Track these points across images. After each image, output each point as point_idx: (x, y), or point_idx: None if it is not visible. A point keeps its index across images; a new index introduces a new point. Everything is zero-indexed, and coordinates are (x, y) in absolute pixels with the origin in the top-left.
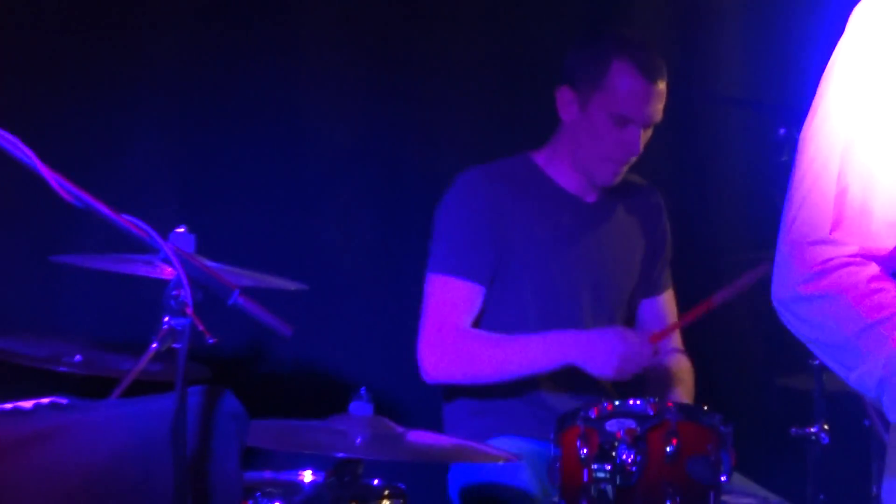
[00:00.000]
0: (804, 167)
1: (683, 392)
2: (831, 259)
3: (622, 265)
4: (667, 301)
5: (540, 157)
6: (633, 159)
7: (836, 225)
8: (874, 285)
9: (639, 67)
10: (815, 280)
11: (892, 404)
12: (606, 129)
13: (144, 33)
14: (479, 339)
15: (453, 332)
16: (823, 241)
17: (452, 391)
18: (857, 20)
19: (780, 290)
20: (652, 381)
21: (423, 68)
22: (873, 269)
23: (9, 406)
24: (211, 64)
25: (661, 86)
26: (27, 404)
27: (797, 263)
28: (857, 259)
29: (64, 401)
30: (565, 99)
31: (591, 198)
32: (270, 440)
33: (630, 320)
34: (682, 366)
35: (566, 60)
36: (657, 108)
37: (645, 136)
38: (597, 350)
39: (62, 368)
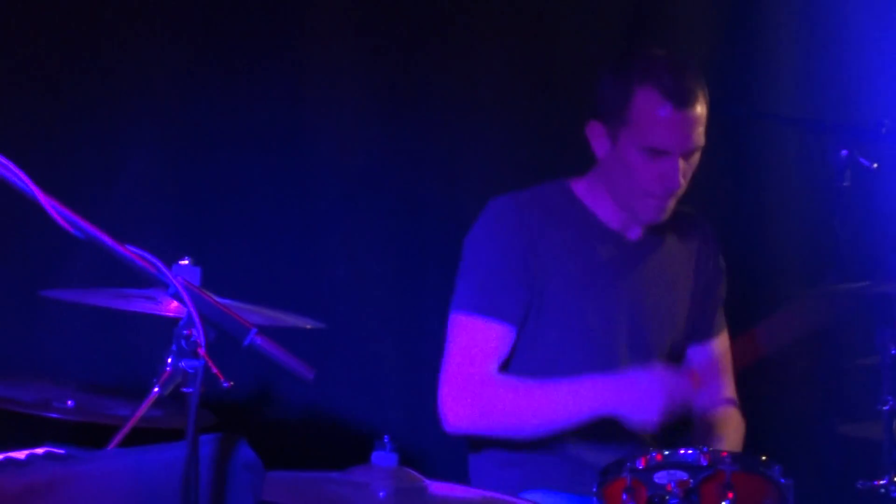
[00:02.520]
0: None
1: (728, 447)
2: None
3: (667, 309)
4: (719, 346)
5: (579, 187)
6: (679, 192)
7: None
8: None
9: (665, 94)
10: None
11: None
12: (640, 163)
13: (144, 53)
14: (505, 386)
15: (478, 378)
16: None
17: (479, 441)
18: None
19: None
20: (696, 432)
21: (443, 89)
22: None
23: (0, 456)
24: (216, 83)
25: (695, 110)
26: (20, 454)
27: None
28: None
29: (60, 451)
30: (595, 133)
31: (633, 234)
32: (285, 494)
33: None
34: (730, 418)
35: (595, 92)
36: (693, 135)
37: (687, 165)
38: (637, 393)
39: (53, 415)
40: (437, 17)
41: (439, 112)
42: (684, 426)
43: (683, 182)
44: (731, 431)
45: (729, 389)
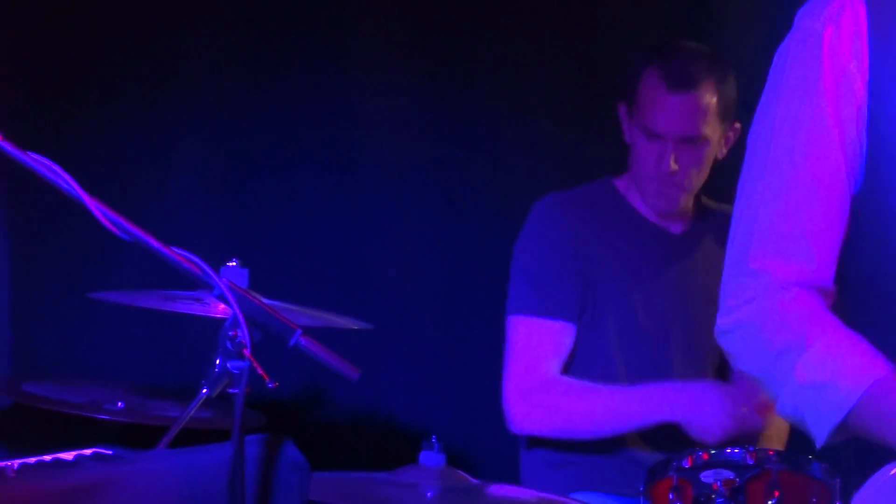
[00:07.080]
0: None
1: (772, 443)
2: (746, 291)
3: (715, 305)
4: None
5: (621, 183)
6: (688, 183)
7: (760, 254)
8: (782, 317)
9: (663, 76)
10: (731, 313)
11: (813, 432)
12: (642, 145)
13: (194, 57)
14: (571, 389)
15: (542, 380)
16: (743, 274)
17: (533, 440)
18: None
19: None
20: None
21: (491, 90)
22: (787, 297)
23: (48, 458)
24: (263, 84)
25: (695, 96)
26: (67, 455)
27: (722, 295)
28: (773, 288)
29: (108, 451)
30: (621, 115)
31: (676, 228)
32: (332, 494)
33: (724, 368)
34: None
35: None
36: (690, 122)
37: (690, 153)
38: (703, 407)
39: (103, 416)
40: (484, 19)
41: (487, 113)
42: None
43: (676, 167)
44: (774, 427)
45: None
